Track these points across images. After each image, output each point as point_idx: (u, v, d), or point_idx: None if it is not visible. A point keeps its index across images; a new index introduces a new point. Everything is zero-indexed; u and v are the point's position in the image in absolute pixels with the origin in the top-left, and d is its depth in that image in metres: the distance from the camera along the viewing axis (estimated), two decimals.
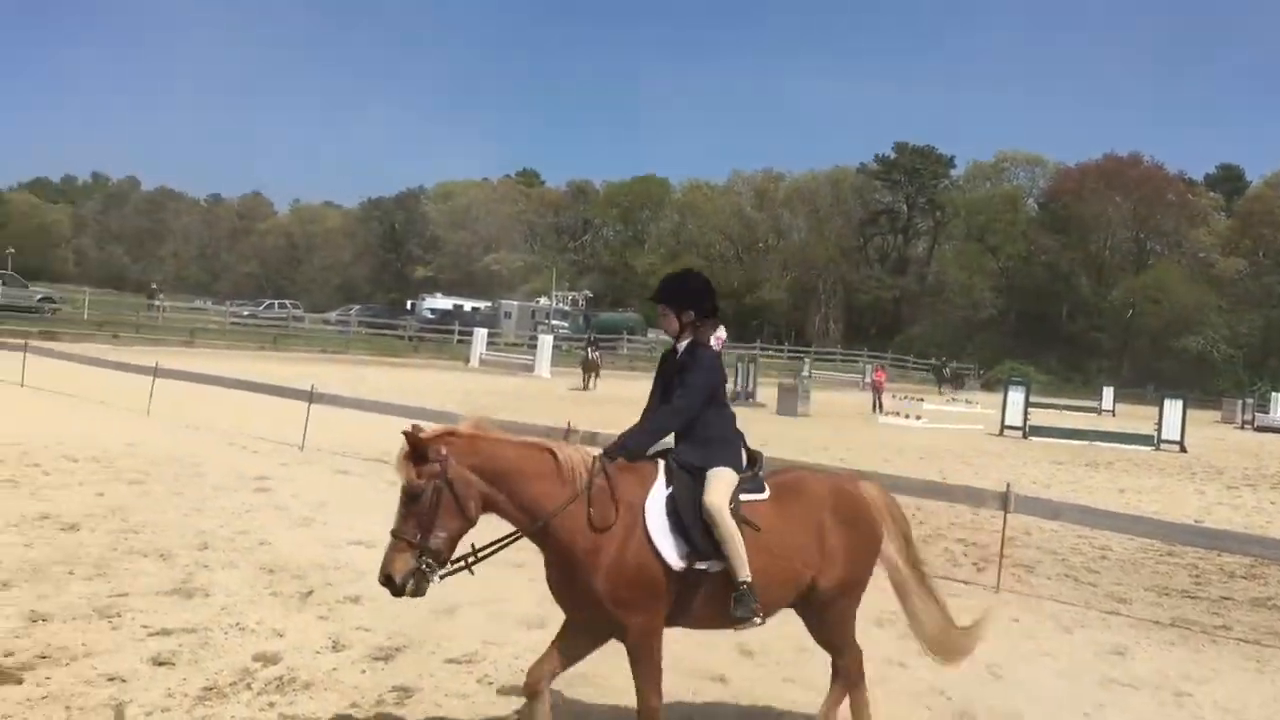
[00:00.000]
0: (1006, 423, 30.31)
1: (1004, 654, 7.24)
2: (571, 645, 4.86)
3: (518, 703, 5.60)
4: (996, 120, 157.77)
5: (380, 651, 6.24)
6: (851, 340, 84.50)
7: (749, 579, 4.66)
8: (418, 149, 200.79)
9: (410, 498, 4.45)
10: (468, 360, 45.59)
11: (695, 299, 5.01)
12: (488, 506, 4.55)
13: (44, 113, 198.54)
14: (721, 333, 5.09)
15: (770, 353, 68.47)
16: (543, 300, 78.39)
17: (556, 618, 7.14)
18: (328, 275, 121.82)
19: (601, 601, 4.55)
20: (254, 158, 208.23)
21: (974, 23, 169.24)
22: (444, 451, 4.44)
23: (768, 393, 34.86)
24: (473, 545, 4.66)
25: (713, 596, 4.69)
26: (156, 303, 55.62)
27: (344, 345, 48.90)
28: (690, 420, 4.91)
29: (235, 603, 6.97)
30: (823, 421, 29.89)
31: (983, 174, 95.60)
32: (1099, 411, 45.89)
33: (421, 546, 4.41)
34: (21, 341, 23.67)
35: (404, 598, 4.48)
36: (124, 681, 5.43)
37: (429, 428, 4.62)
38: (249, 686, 5.52)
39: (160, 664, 5.73)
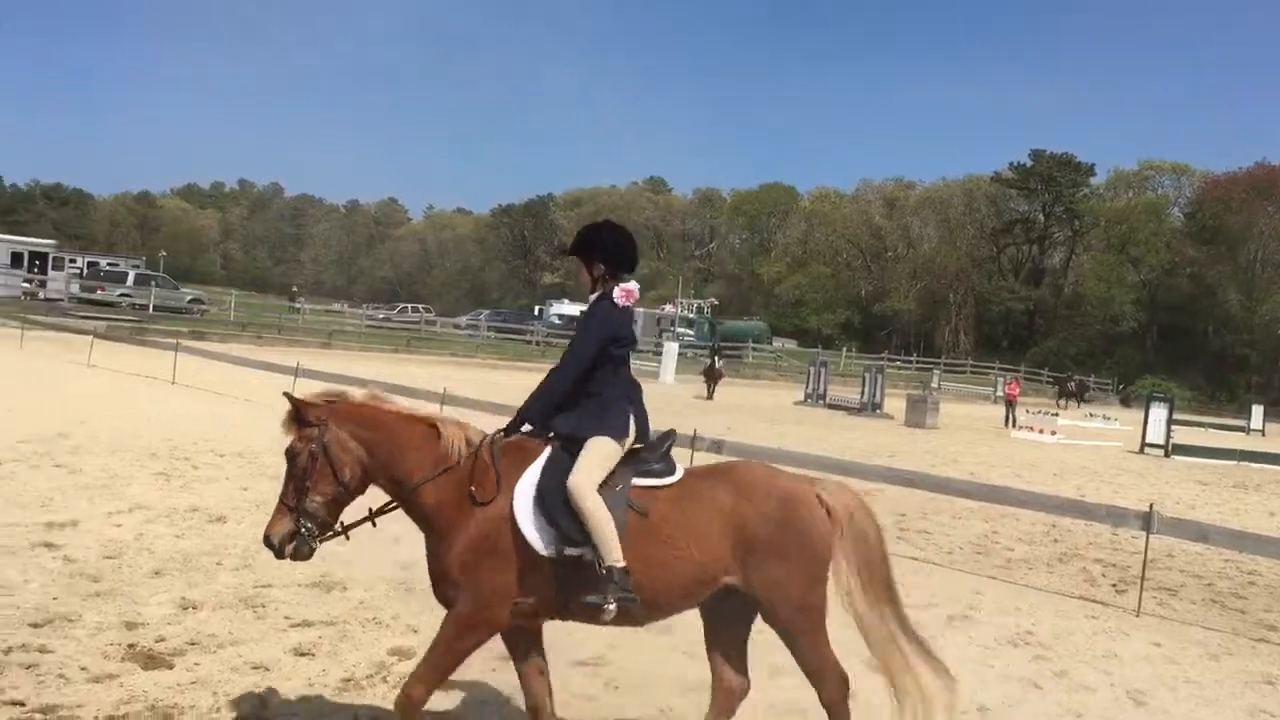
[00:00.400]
0: (1147, 440, 29.17)
1: (1146, 680, 6.98)
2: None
3: (645, 707, 5.63)
4: (1139, 127, 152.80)
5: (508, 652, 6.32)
6: (982, 352, 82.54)
7: (618, 563, 4.24)
8: (549, 156, 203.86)
9: (290, 461, 4.43)
10: None
11: (605, 251, 4.70)
12: (364, 474, 4.48)
13: (195, 121, 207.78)
14: (632, 286, 4.74)
15: (898, 363, 67.39)
16: (668, 307, 78.56)
17: (683, 623, 7.16)
18: (458, 280, 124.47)
19: (452, 578, 4.37)
20: (390, 164, 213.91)
21: (1115, 26, 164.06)
22: (323, 416, 4.41)
23: (895, 404, 34.32)
24: (370, 508, 4.60)
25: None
26: (297, 305, 57.61)
27: (473, 349, 49.83)
28: (579, 378, 4.59)
29: (371, 598, 7.16)
30: (952, 434, 29.26)
31: (1125, 182, 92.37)
32: (1247, 431, 43.85)
33: (299, 510, 4.35)
34: (173, 341, 24.74)
35: (287, 560, 4.43)
36: (267, 670, 5.62)
37: (326, 390, 4.67)
38: (385, 679, 5.65)
39: (301, 654, 5.92)
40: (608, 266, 4.71)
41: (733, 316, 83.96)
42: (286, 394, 4.54)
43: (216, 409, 17.44)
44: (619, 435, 4.48)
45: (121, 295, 48.48)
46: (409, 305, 75.88)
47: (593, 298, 4.75)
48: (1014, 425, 34.01)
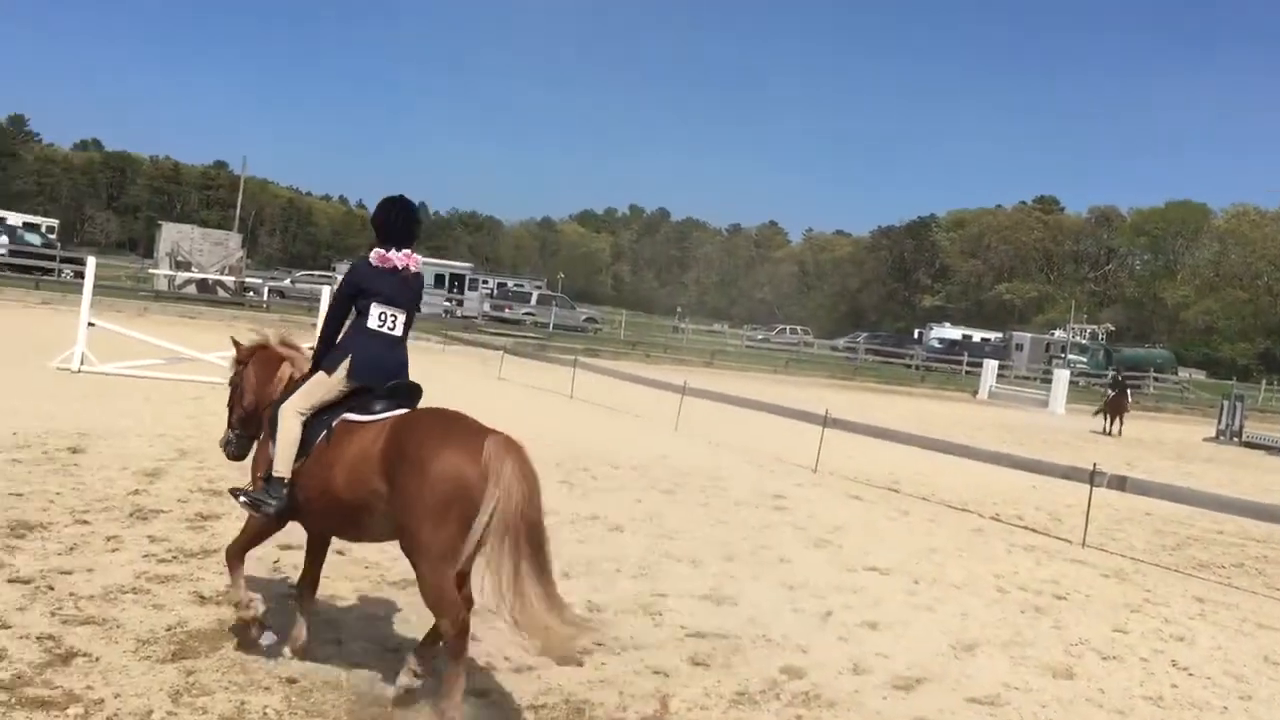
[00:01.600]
0: None
1: None
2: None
3: None
4: None
5: (900, 680, 6.26)
6: None
7: (280, 473, 5.16)
8: (929, 177, 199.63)
9: (229, 388, 5.97)
10: (975, 392, 44.45)
11: (375, 224, 5.48)
12: (257, 401, 5.73)
13: (591, 154, 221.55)
14: (398, 254, 5.34)
15: None
16: (1058, 333, 74.55)
17: (1085, 667, 6.79)
18: (836, 302, 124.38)
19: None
20: (770, 188, 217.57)
21: None
22: (244, 358, 5.88)
23: None
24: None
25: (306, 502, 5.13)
26: (681, 325, 59.90)
27: (851, 372, 49.62)
28: (331, 322, 5.49)
29: (761, 614, 7.31)
30: None
31: None
32: None
33: (231, 423, 5.91)
34: (571, 357, 26.47)
35: (232, 460, 5.95)
36: (666, 676, 5.89)
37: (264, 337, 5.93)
38: (778, 697, 5.77)
39: (697, 664, 6.16)
40: (377, 236, 5.44)
41: (1130, 343, 78.21)
42: (231, 337, 6.28)
43: (610, 422, 18.47)
44: (330, 371, 5.23)
45: (526, 314, 52.60)
46: (787, 326, 76.75)
47: None
48: None
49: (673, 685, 5.75)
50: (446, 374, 25.09)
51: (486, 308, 52.68)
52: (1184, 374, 69.03)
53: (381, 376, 5.25)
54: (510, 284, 63.47)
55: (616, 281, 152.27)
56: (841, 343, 66.87)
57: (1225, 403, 35.32)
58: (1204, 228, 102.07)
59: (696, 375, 30.69)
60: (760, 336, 67.38)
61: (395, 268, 5.34)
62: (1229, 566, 11.61)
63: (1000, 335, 72.96)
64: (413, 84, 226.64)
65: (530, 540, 4.66)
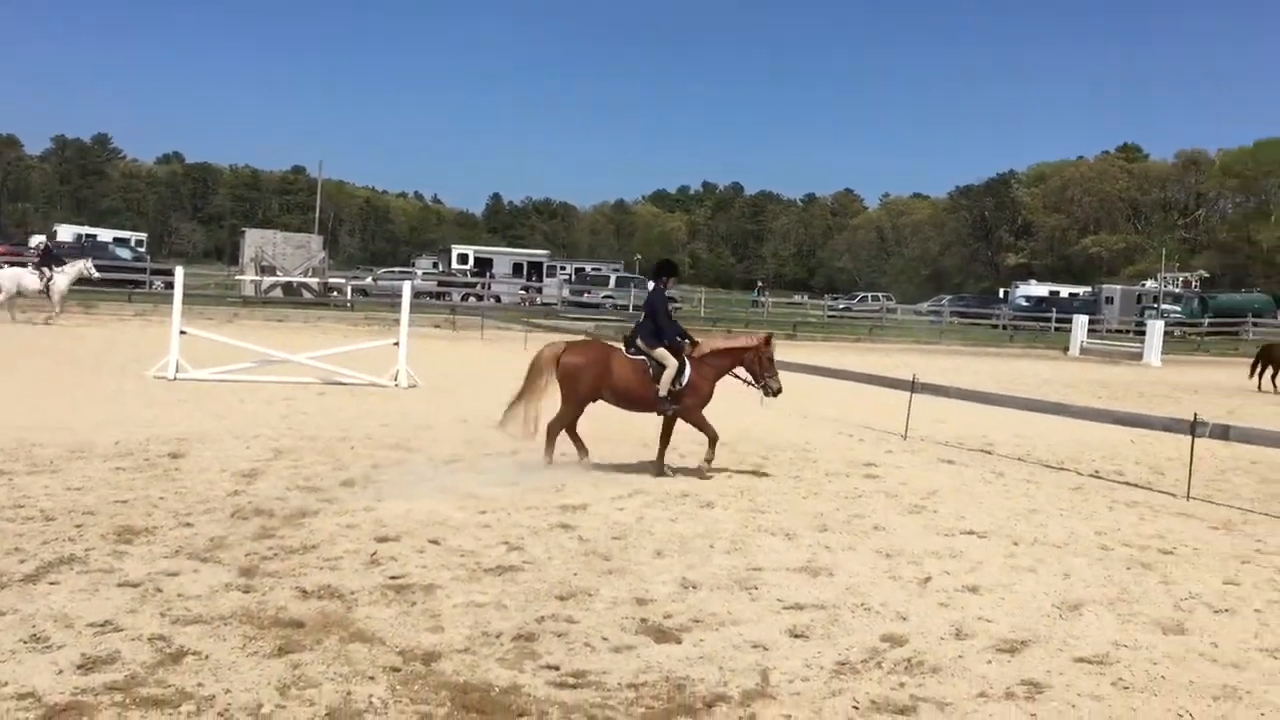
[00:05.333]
0: None
1: None
2: None
3: (1158, 709, 5.26)
4: None
5: (1004, 643, 6.14)
6: None
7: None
8: (1008, 133, 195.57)
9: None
10: (1066, 349, 43.51)
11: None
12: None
13: (663, 134, 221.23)
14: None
15: None
16: (1149, 283, 72.62)
17: (1197, 622, 6.59)
18: (917, 266, 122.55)
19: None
20: (846, 156, 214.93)
21: None
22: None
23: None
24: None
25: None
26: (762, 299, 59.54)
27: (937, 335, 48.87)
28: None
29: (858, 584, 7.24)
30: None
31: None
32: None
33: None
34: None
35: None
36: (765, 649, 5.85)
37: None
38: (879, 665, 5.70)
39: (796, 636, 6.11)
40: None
41: (1226, 289, 75.78)
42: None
43: None
44: None
45: (605, 297, 52.71)
46: (869, 294, 75.88)
47: None
48: None
49: (772, 658, 5.72)
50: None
51: (566, 293, 52.90)
52: None
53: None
54: (588, 268, 63.62)
55: (694, 259, 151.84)
56: (925, 306, 65.83)
57: None
58: None
59: (780, 348, 30.40)
60: (842, 305, 66.65)
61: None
62: None
63: (1089, 290, 71.21)
64: (478, 76, 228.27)
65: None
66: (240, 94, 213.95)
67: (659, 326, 11.03)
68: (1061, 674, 5.71)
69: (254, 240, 45.26)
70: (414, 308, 22.25)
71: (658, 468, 10.98)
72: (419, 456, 11.32)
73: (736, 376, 11.53)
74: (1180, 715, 5.21)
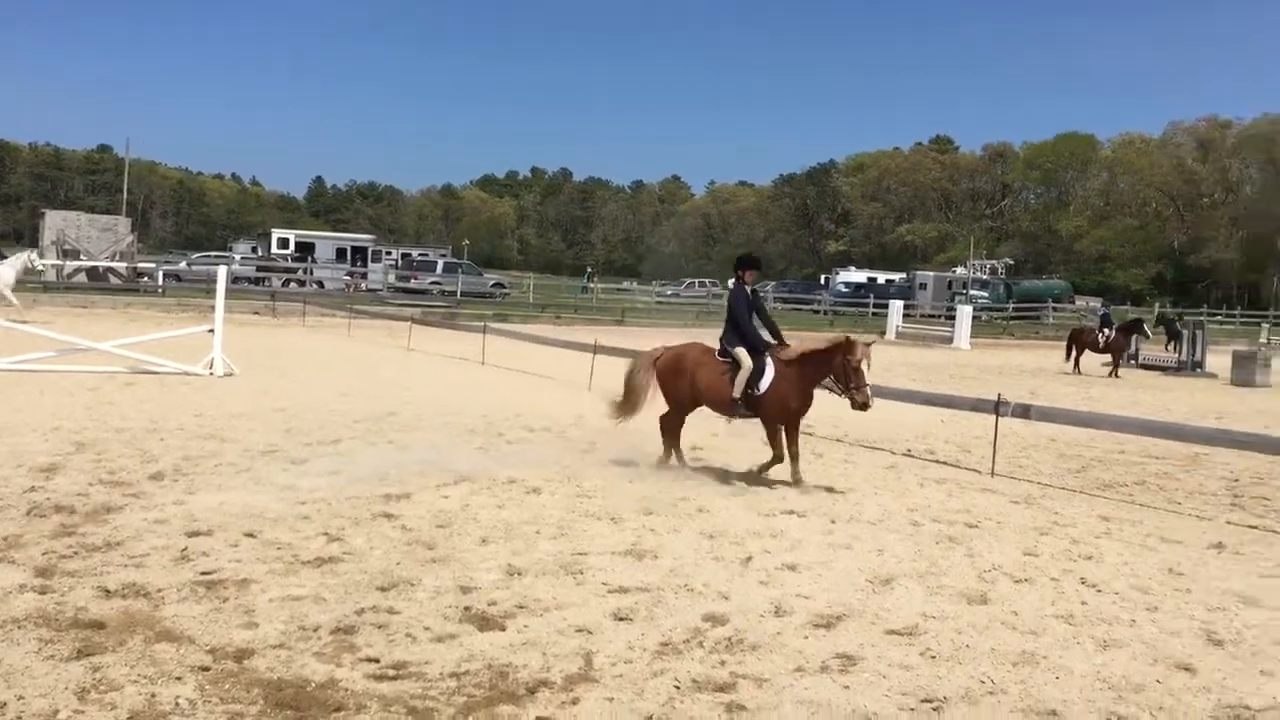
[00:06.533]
0: None
1: None
2: None
3: (962, 676, 5.50)
4: None
5: (820, 619, 6.33)
6: None
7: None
8: (828, 124, 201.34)
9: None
10: (883, 333, 45.15)
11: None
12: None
13: (490, 119, 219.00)
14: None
15: (1219, 318, 62.28)
16: (959, 270, 75.95)
17: (998, 592, 6.93)
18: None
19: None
20: (672, 144, 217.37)
21: None
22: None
23: (1219, 361, 31.69)
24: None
25: None
26: (590, 285, 59.73)
27: None
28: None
29: (682, 565, 7.33)
30: None
31: None
32: None
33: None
34: (480, 324, 26.23)
35: None
36: (590, 633, 5.88)
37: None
38: (701, 644, 5.79)
39: (620, 619, 6.15)
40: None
41: (1029, 276, 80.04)
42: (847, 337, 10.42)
43: (523, 386, 18.36)
44: None
45: (432, 283, 51.88)
46: (696, 280, 77.01)
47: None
48: None
49: (597, 642, 5.74)
50: (352, 348, 24.72)
51: (392, 279, 51.86)
52: (1081, 303, 70.82)
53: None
54: (415, 254, 62.54)
55: (523, 245, 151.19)
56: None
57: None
58: (1093, 158, 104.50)
59: (608, 334, 30.63)
60: (670, 292, 67.48)
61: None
62: (1131, 485, 11.95)
63: (904, 276, 74.09)
64: (305, 54, 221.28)
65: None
66: (41, 66, 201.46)
67: (738, 326, 10.59)
68: (874, 646, 5.92)
69: (55, 223, 42.84)
70: (231, 293, 21.46)
71: (794, 478, 10.31)
72: (234, 447, 10.89)
73: (824, 386, 10.65)
74: (983, 681, 5.47)
